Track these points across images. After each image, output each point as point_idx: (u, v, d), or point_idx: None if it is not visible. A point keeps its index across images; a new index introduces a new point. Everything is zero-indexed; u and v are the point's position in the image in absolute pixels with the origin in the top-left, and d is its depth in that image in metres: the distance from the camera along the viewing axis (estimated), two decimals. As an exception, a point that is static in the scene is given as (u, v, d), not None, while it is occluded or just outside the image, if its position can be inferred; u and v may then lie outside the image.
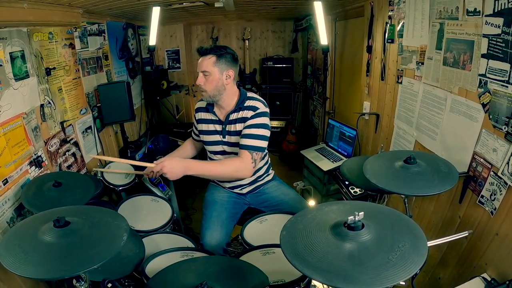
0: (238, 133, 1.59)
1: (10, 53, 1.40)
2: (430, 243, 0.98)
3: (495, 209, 1.26)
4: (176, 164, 1.39)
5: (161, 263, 1.32)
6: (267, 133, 1.54)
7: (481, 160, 1.34)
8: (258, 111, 1.53)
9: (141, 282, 1.30)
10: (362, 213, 0.79)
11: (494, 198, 1.27)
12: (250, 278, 1.00)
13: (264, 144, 1.53)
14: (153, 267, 1.31)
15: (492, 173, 1.28)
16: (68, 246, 0.93)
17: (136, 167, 2.06)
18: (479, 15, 1.23)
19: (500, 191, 1.24)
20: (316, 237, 0.79)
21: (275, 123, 4.09)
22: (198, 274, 1.04)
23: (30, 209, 1.34)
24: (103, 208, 1.17)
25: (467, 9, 1.29)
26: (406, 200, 1.25)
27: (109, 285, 1.00)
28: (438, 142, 1.60)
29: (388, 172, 1.18)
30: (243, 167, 1.48)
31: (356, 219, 0.79)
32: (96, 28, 2.21)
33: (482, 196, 1.33)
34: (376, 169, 1.21)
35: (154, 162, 1.41)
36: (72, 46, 1.91)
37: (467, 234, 1.02)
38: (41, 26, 1.61)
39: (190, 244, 1.67)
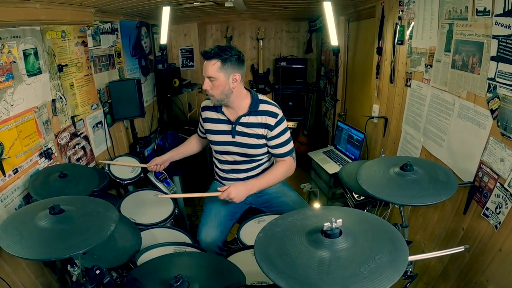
0: (252, 136, 1.59)
1: (23, 50, 1.49)
2: (413, 258, 0.94)
3: (499, 223, 1.19)
4: (240, 189, 1.49)
5: (153, 255, 1.36)
6: (290, 134, 1.67)
7: (488, 170, 1.26)
8: (278, 117, 1.58)
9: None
10: (340, 220, 0.77)
11: (499, 212, 1.20)
12: (228, 277, 1.00)
13: (293, 144, 1.67)
14: (145, 259, 1.34)
15: (498, 184, 1.21)
16: (59, 232, 0.99)
17: (143, 162, 2.13)
18: (489, 15, 1.16)
19: (506, 204, 1.17)
20: (291, 241, 0.77)
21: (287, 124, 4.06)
22: (180, 267, 1.06)
23: (36, 198, 1.41)
24: (98, 199, 1.22)
25: (476, 9, 1.22)
26: (402, 209, 1.20)
27: (97, 271, 1.04)
28: (444, 149, 1.53)
29: (382, 179, 1.13)
30: (290, 169, 1.65)
31: (334, 226, 0.76)
32: (109, 27, 2.29)
33: (487, 209, 1.26)
34: (371, 175, 1.17)
35: (219, 189, 1.50)
36: (84, 44, 1.99)
37: (462, 249, 0.96)
38: (54, 25, 1.69)
39: (187, 239, 1.70)
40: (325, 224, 0.76)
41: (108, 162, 2.10)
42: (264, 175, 1.62)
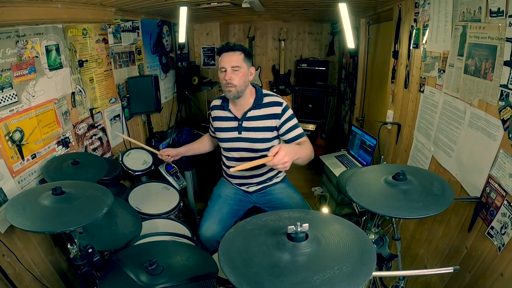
0: (261, 129, 1.63)
1: (45, 46, 1.62)
2: (379, 274, 0.89)
3: (503, 245, 1.09)
4: (290, 150, 1.27)
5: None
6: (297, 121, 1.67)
7: (496, 185, 1.16)
8: (283, 105, 1.62)
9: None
10: (307, 225, 0.76)
11: (504, 232, 1.10)
12: (202, 268, 1.03)
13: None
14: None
15: (506, 202, 1.11)
16: (57, 210, 1.09)
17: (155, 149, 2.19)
18: (503, 15, 1.07)
19: (512, 224, 1.07)
20: (255, 240, 0.78)
21: (305, 126, 4.02)
22: (162, 254, 1.11)
23: (48, 181, 1.54)
24: (99, 185, 1.31)
25: (490, 9, 1.13)
26: (393, 220, 1.15)
27: (90, 250, 1.13)
28: (454, 160, 1.43)
29: (369, 187, 1.09)
30: (312, 149, 1.56)
31: (299, 229, 0.75)
32: (130, 25, 2.41)
33: (492, 228, 1.16)
34: (360, 182, 1.13)
35: (268, 154, 1.23)
36: (105, 41, 2.12)
37: (451, 271, 0.89)
38: (75, 23, 1.82)
39: (187, 232, 1.75)
40: (289, 227, 0.75)
41: (126, 138, 2.22)
42: (301, 147, 1.47)
